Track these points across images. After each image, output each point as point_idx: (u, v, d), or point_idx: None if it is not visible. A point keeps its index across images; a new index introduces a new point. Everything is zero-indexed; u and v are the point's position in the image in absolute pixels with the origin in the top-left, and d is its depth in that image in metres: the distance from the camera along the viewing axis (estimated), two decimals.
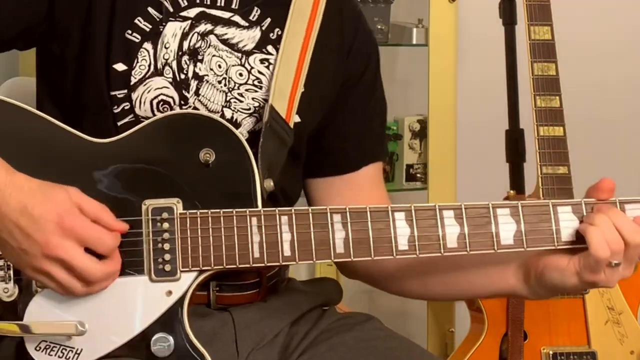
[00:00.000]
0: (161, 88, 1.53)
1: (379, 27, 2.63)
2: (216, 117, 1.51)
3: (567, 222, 1.45)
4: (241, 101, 1.56)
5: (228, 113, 1.56)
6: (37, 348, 1.41)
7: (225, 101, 1.56)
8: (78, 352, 1.41)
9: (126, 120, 1.52)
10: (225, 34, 1.57)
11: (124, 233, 1.41)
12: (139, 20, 1.53)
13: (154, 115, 1.52)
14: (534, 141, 2.21)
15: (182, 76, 1.54)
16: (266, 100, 1.55)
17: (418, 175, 2.75)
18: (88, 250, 1.37)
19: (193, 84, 1.55)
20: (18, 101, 1.49)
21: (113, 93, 1.52)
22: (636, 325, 2.29)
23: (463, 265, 1.54)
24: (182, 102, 1.54)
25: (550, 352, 2.24)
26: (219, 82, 1.56)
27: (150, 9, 1.54)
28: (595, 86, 3.01)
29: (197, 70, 1.55)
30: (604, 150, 3.01)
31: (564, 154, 2.20)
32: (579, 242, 1.44)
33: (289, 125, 1.55)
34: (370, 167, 1.69)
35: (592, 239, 1.41)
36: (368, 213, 1.44)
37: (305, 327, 1.59)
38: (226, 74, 1.56)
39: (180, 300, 1.43)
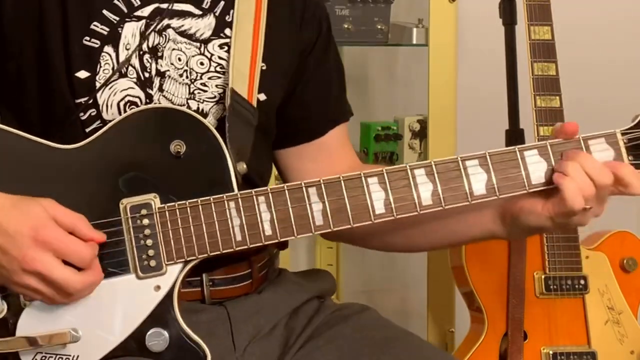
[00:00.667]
0: (127, 89, 1.53)
1: (379, 27, 2.62)
2: (181, 107, 1.52)
3: (535, 165, 1.49)
4: (205, 91, 1.57)
5: (193, 105, 1.56)
6: None
7: (189, 93, 1.56)
8: (74, 358, 1.42)
9: (94, 126, 1.52)
10: (182, 25, 1.57)
11: (102, 242, 1.41)
12: (95, 25, 1.53)
13: None
14: (534, 141, 2.20)
15: (146, 75, 1.54)
16: (228, 85, 1.55)
17: None
18: (67, 262, 1.38)
19: (156, 80, 1.55)
20: None
21: (78, 101, 1.52)
22: (636, 325, 2.29)
23: (442, 215, 1.56)
24: (148, 101, 1.54)
25: (550, 352, 2.24)
26: (180, 76, 1.56)
27: (105, 12, 1.54)
28: (596, 86, 3.01)
29: (158, 67, 1.55)
30: None
31: None
32: (549, 183, 1.48)
33: (251, 105, 1.56)
34: (337, 129, 1.72)
35: (566, 191, 1.45)
36: (342, 182, 1.46)
37: (303, 321, 1.60)
38: (187, 65, 1.57)
39: (170, 293, 1.44)
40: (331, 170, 1.58)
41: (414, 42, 2.68)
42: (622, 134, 1.51)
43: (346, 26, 2.58)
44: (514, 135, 2.36)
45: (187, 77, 1.56)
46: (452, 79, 2.59)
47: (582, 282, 2.25)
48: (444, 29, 2.58)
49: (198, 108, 1.57)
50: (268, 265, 1.64)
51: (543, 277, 2.24)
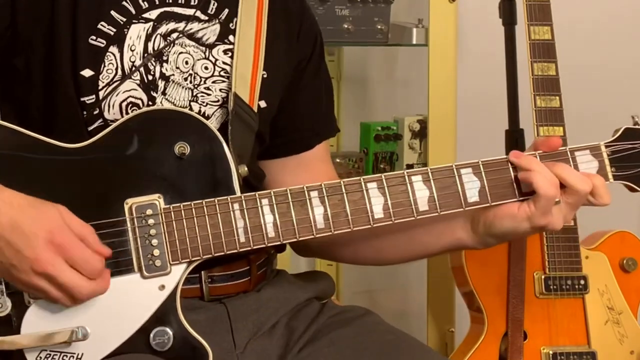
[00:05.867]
0: (129, 90, 1.55)
1: (379, 27, 2.62)
2: (185, 110, 1.53)
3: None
4: (209, 94, 1.58)
5: (195, 107, 1.58)
6: (38, 358, 1.42)
7: (192, 96, 1.58)
8: (79, 357, 1.43)
9: (96, 125, 1.53)
10: (191, 28, 1.59)
11: (107, 257, 1.42)
12: (102, 25, 1.54)
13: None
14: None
15: (150, 77, 1.56)
16: (231, 89, 1.57)
17: None
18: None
19: (160, 84, 1.56)
20: None
21: (83, 99, 1.53)
22: (636, 325, 2.29)
23: (412, 226, 1.58)
24: (150, 103, 1.55)
25: (550, 352, 2.24)
26: (185, 80, 1.58)
27: (113, 13, 1.55)
28: (596, 86, 3.01)
29: (163, 70, 1.56)
30: None
31: None
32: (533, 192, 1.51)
33: (253, 110, 1.58)
34: (321, 145, 1.74)
35: (538, 182, 1.48)
36: (343, 186, 1.49)
37: (304, 322, 1.61)
38: (192, 69, 1.58)
39: (173, 292, 1.45)
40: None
41: (414, 42, 2.68)
42: (606, 147, 1.54)
43: (346, 26, 2.57)
44: (514, 136, 2.36)
45: (190, 81, 1.58)
46: (452, 79, 2.59)
47: (582, 282, 2.25)
48: (444, 29, 2.58)
49: (200, 111, 1.58)
50: (266, 265, 1.65)
51: (543, 277, 2.24)
